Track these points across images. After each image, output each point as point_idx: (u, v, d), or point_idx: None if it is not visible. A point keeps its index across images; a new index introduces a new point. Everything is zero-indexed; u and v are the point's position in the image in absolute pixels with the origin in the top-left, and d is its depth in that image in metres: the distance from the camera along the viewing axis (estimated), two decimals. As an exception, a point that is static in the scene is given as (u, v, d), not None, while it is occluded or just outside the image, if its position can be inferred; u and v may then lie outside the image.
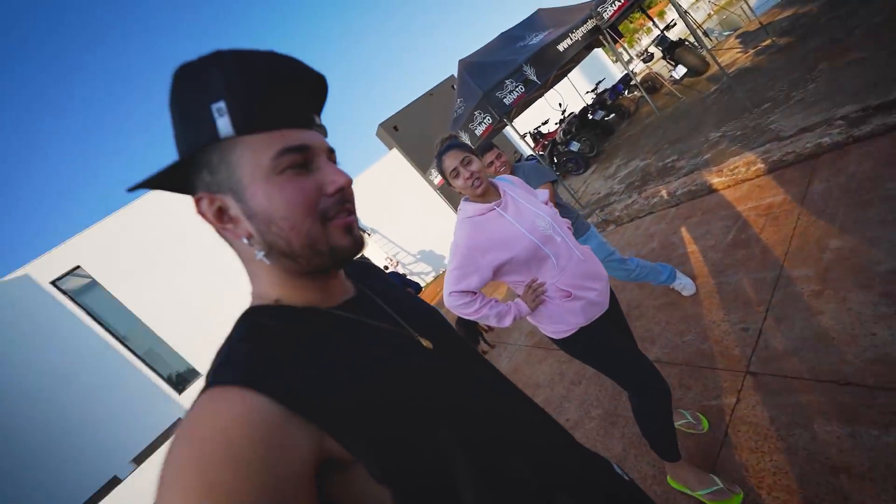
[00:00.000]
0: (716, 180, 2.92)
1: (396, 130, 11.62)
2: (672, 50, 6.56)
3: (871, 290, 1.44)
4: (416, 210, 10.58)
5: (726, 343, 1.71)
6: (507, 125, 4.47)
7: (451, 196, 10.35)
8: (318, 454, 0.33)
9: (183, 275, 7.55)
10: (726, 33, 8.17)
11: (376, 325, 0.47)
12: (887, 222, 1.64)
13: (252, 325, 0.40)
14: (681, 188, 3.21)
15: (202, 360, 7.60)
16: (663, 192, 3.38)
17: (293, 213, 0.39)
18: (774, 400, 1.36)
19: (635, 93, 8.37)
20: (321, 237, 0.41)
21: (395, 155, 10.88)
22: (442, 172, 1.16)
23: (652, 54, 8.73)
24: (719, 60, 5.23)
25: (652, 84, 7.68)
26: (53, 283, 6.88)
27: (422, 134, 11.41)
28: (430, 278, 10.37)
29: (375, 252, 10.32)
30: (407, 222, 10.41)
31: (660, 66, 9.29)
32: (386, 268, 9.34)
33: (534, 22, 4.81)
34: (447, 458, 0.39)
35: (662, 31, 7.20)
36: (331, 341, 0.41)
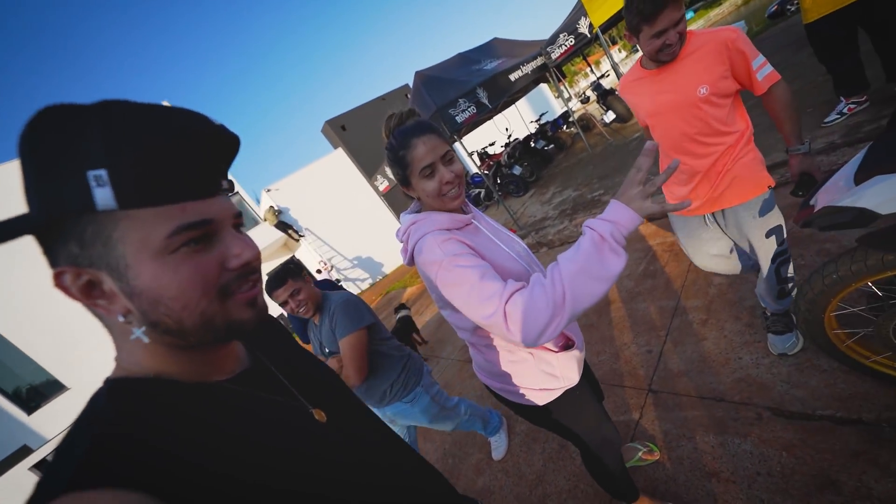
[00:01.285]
0: (632, 216, 3.34)
1: (344, 130, 11.25)
2: (605, 96, 7.43)
3: (740, 320, 1.75)
4: (356, 214, 10.24)
5: (634, 363, 1.93)
6: (456, 142, 4.61)
7: (396, 202, 10.23)
8: None
9: (44, 268, 6.25)
10: (646, 90, 9.50)
11: (271, 400, 0.44)
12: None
13: (123, 403, 0.34)
14: (604, 220, 3.60)
15: (68, 370, 6.27)
16: (590, 222, 3.77)
17: (186, 294, 0.34)
18: (669, 415, 1.56)
19: (572, 129, 9.26)
20: (218, 314, 0.36)
21: (340, 155, 10.49)
22: (403, 163, 0.77)
23: (588, 97, 9.78)
24: (640, 113, 5.99)
25: (586, 123, 8.58)
26: None
27: (370, 137, 11.18)
28: (365, 285, 10.06)
29: (308, 254, 9.73)
30: (346, 226, 10.02)
31: (594, 108, 10.42)
32: (318, 272, 8.84)
33: (489, 49, 5.09)
34: None
35: (598, 79, 8.12)
36: (222, 424, 0.37)
